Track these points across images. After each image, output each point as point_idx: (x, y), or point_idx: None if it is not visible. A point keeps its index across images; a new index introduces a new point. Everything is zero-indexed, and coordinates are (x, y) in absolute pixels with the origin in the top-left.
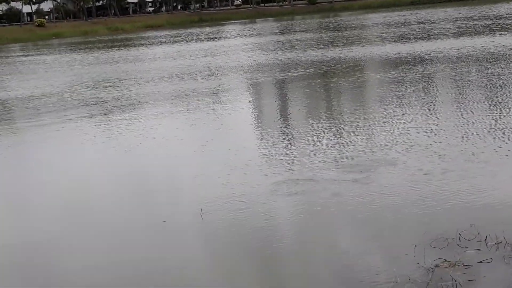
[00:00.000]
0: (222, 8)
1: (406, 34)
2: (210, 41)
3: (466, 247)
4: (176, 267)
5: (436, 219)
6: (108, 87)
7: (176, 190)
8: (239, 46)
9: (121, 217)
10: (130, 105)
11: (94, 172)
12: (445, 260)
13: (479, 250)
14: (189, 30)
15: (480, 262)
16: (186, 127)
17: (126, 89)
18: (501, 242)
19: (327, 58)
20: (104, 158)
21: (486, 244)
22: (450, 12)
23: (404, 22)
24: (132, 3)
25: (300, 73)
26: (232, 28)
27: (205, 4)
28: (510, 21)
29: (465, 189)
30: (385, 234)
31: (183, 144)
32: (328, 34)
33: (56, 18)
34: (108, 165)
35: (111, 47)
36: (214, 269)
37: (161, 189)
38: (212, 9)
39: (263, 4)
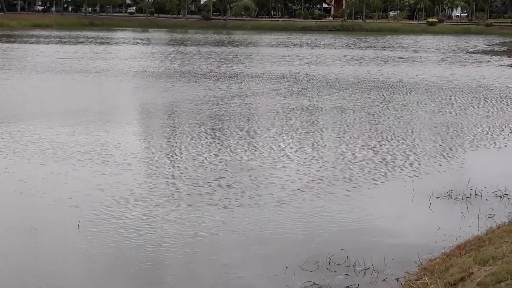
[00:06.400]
0: (115, 14)
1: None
2: (99, 45)
3: (335, 271)
4: (43, 276)
5: (308, 242)
6: None
7: (52, 202)
8: (133, 54)
9: None
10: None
11: None
12: (314, 283)
13: (347, 275)
14: (83, 33)
15: (347, 287)
16: (66, 139)
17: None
18: (369, 268)
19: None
20: None
21: (355, 269)
22: (346, 39)
23: (304, 45)
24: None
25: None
26: (125, 35)
27: (98, 8)
28: (405, 54)
29: (337, 214)
30: (258, 255)
31: (64, 155)
32: (227, 49)
33: None
34: None
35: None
36: (84, 279)
37: (36, 201)
38: (105, 14)
39: (157, 15)
